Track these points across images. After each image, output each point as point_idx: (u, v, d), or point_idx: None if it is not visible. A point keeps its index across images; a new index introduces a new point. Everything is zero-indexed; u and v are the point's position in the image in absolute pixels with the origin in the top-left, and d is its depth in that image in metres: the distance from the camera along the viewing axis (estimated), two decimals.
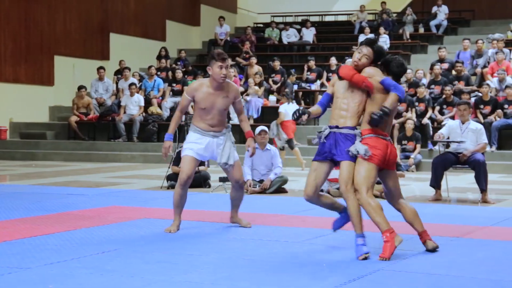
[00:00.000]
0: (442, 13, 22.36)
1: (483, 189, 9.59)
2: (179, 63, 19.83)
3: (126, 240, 6.44)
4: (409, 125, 14.47)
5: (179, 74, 18.29)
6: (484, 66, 16.95)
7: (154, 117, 17.55)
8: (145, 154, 16.56)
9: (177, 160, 11.27)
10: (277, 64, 18.55)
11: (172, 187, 11.08)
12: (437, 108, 15.57)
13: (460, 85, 15.96)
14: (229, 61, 7.21)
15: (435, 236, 6.18)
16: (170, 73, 19.34)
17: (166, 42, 22.75)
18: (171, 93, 18.13)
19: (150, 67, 18.86)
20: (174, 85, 18.20)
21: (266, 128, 10.92)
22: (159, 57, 20.52)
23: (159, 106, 17.87)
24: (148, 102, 17.93)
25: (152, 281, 4.86)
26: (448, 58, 17.43)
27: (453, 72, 16.45)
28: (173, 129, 7.13)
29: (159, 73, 19.17)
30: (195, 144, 7.06)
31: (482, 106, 15.05)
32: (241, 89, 17.90)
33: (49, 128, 18.50)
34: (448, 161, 9.81)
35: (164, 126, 17.39)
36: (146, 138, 17.31)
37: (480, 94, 15.27)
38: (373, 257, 5.73)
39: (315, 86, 18.25)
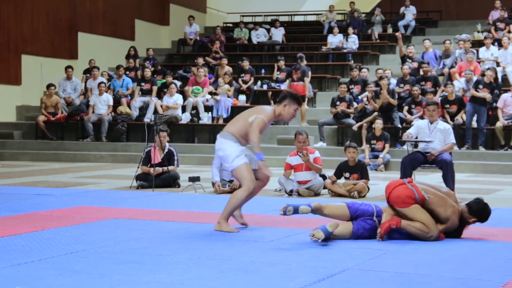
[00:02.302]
0: (410, 13, 22.54)
1: (450, 189, 9.67)
2: (148, 62, 19.73)
3: (95, 240, 6.39)
4: (378, 125, 14.55)
5: (148, 73, 18.21)
6: (452, 66, 17.11)
7: (123, 117, 17.46)
8: (114, 154, 16.46)
9: (146, 160, 11.24)
10: (246, 64, 18.56)
11: (141, 186, 11.05)
12: (406, 108, 15.68)
13: (427, 86, 16.09)
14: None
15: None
16: (139, 73, 19.25)
17: (135, 41, 22.65)
18: (140, 92, 18.04)
19: (118, 66, 18.75)
20: (143, 84, 18.11)
21: None
22: (128, 57, 20.41)
23: (128, 105, 17.77)
24: (117, 102, 17.83)
25: (121, 282, 4.83)
26: (416, 57, 17.56)
27: (421, 72, 16.57)
28: (259, 148, 7.10)
29: (127, 72, 19.07)
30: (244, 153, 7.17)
31: (448, 106, 15.20)
32: (211, 88, 17.87)
33: (16, 127, 18.31)
34: (417, 160, 9.90)
35: (133, 125, 17.35)
36: (115, 137, 17.22)
37: (446, 94, 15.41)
38: (342, 256, 5.75)
39: (284, 86, 18.27)
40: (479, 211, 6.50)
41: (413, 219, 6.43)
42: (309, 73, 17.18)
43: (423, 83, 16.34)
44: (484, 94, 14.88)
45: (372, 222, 6.51)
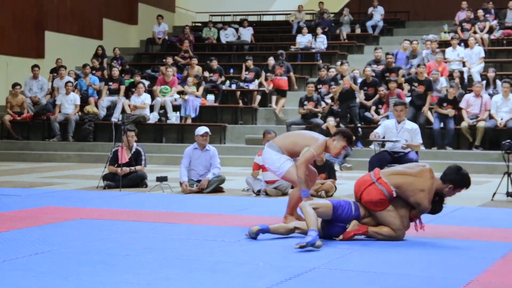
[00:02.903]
0: (378, 14, 22.68)
1: None
2: (115, 61, 19.61)
3: (61, 241, 6.34)
4: (330, 123, 14.56)
5: (115, 72, 18.10)
6: (418, 66, 17.23)
7: (90, 117, 17.34)
8: (81, 154, 16.35)
9: (113, 160, 11.17)
10: (214, 63, 18.54)
11: (108, 187, 10.98)
12: (373, 108, 15.78)
13: (392, 76, 16.22)
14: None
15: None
16: (106, 72, 19.12)
17: (103, 40, 22.50)
18: (107, 92, 17.92)
19: (85, 65, 18.61)
20: (110, 83, 17.99)
21: (208, 130, 10.87)
22: (95, 56, 20.27)
23: (96, 105, 17.65)
24: (84, 101, 17.70)
25: (87, 283, 4.79)
26: (384, 59, 17.66)
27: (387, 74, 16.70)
28: (307, 183, 7.22)
29: (94, 71, 18.94)
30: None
31: (416, 84, 15.29)
32: (180, 88, 17.82)
33: None
34: (384, 160, 9.97)
35: (100, 125, 17.24)
36: (82, 137, 17.09)
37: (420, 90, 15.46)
38: (309, 255, 5.77)
39: (253, 86, 18.30)
40: (451, 176, 6.40)
41: (383, 222, 6.46)
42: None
43: (387, 74, 16.48)
44: (449, 111, 15.03)
45: (343, 226, 6.53)
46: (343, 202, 6.61)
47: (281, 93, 17.81)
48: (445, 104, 15.15)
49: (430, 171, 6.50)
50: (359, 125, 15.45)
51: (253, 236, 6.49)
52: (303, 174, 7.03)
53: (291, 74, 18.09)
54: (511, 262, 5.61)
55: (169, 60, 18.99)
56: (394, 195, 6.43)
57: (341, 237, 6.45)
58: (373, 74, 16.47)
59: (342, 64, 16.13)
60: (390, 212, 6.46)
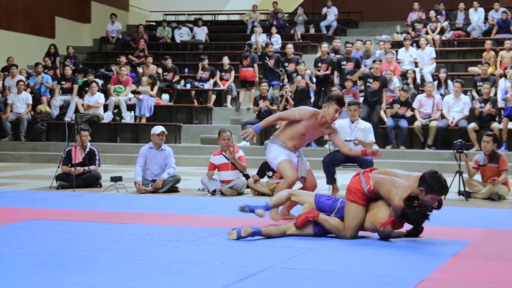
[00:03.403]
0: (331, 14, 22.83)
1: None
2: (68, 60, 19.39)
3: (13, 242, 6.24)
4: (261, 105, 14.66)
5: (68, 71, 17.90)
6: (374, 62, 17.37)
7: (43, 116, 17.13)
8: (33, 154, 16.13)
9: (66, 160, 11.05)
10: (169, 62, 18.47)
11: (62, 187, 10.86)
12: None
13: (348, 66, 16.36)
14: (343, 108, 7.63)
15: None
16: (59, 71, 18.89)
17: (55, 39, 22.22)
18: (60, 91, 17.71)
19: (37, 64, 18.37)
20: (63, 83, 17.78)
21: (164, 129, 10.83)
22: (48, 55, 20.01)
23: (48, 104, 17.44)
24: (36, 101, 17.47)
25: (39, 284, 4.73)
26: (343, 49, 17.71)
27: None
28: (264, 126, 7.71)
29: (47, 70, 18.69)
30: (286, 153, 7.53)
31: (371, 81, 15.43)
32: (134, 87, 17.70)
33: None
34: (337, 159, 10.05)
35: (53, 125, 17.04)
36: (35, 137, 16.88)
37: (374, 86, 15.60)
38: (265, 254, 5.79)
39: (208, 85, 18.28)
40: (426, 183, 6.15)
41: (345, 213, 6.44)
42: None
43: (344, 62, 16.63)
44: (403, 112, 15.21)
45: (328, 215, 6.58)
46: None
47: (248, 84, 17.78)
48: (398, 106, 15.33)
49: (417, 178, 6.27)
50: None
51: (243, 236, 6.42)
52: (272, 118, 7.72)
53: (255, 65, 17.95)
54: (462, 260, 5.71)
55: (123, 59, 18.85)
56: (371, 188, 6.36)
57: (294, 221, 6.55)
58: (328, 50, 16.69)
59: (298, 63, 16.21)
60: (351, 207, 6.40)
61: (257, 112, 16.01)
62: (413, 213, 6.20)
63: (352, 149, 7.98)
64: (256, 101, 16.07)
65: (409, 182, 6.27)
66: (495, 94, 15.66)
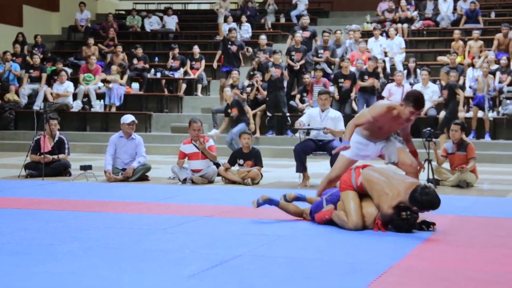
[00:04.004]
0: (302, 4, 22.81)
1: None
2: (36, 49, 19.18)
3: None
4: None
5: (36, 60, 17.71)
6: (342, 56, 17.46)
7: (11, 105, 16.95)
8: (1, 143, 15.98)
9: (35, 149, 10.96)
10: (139, 51, 18.35)
11: (30, 176, 10.78)
12: (298, 96, 15.91)
13: (325, 54, 16.37)
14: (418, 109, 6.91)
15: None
16: (27, 59, 18.68)
17: (23, 27, 21.93)
18: (28, 80, 17.53)
19: (5, 52, 18.14)
20: (31, 71, 17.60)
21: (134, 118, 10.79)
22: (15, 43, 19.76)
23: (17, 93, 17.25)
24: (4, 89, 17.28)
25: (8, 273, 4.69)
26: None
27: (319, 42, 16.85)
28: (349, 137, 7.11)
29: (15, 58, 18.47)
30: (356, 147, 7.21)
31: (342, 80, 15.52)
32: (103, 76, 17.57)
33: None
34: (309, 147, 10.09)
35: (21, 113, 16.88)
36: (3, 126, 16.72)
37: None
38: (235, 242, 5.80)
39: (178, 74, 18.20)
40: (415, 199, 6.08)
41: (342, 203, 6.46)
42: None
43: (322, 51, 16.65)
44: (371, 81, 15.29)
45: (321, 200, 6.67)
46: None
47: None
48: (366, 77, 15.39)
49: (412, 185, 6.16)
50: (287, 114, 15.54)
51: (260, 203, 6.73)
52: (349, 128, 7.10)
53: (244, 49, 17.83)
54: (431, 247, 5.77)
55: (92, 48, 18.69)
56: (359, 184, 6.37)
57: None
58: (302, 40, 16.69)
59: (275, 52, 16.15)
60: (349, 195, 6.38)
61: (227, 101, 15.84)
62: (402, 225, 6.19)
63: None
64: (226, 111, 15.82)
65: (401, 189, 6.18)
66: (464, 83, 15.81)
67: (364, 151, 7.23)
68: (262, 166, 10.44)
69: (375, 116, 6.98)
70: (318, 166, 12.06)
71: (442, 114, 14.60)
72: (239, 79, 16.27)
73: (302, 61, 16.53)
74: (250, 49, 17.55)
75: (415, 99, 6.77)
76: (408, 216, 6.13)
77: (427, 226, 6.40)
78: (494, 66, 16.03)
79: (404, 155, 7.09)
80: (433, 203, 6.09)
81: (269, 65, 15.87)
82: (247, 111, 14.25)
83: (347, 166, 7.14)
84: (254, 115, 15.54)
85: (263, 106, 15.73)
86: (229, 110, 14.23)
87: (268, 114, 15.70)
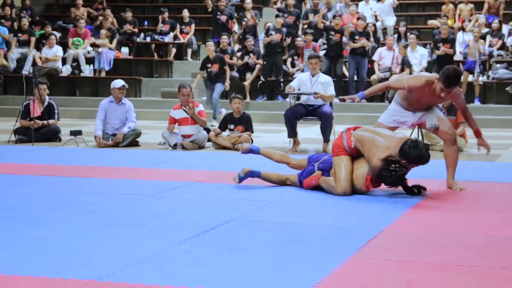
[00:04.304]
0: None
1: (326, 140, 9.97)
2: (25, 12, 18.98)
3: None
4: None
5: (25, 23, 17.54)
6: (334, 16, 17.32)
7: (0, 69, 16.82)
8: None
9: (25, 114, 10.91)
10: (129, 15, 18.19)
11: (20, 141, 10.75)
12: (289, 60, 15.84)
13: (316, 18, 16.28)
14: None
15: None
16: (15, 24, 18.49)
17: None
18: (17, 43, 17.38)
19: None
20: (20, 35, 17.44)
21: (125, 83, 10.74)
22: (3, 5, 19.54)
23: (5, 57, 17.11)
24: None
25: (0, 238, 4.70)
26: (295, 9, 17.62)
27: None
28: (369, 94, 7.26)
29: (3, 21, 18.28)
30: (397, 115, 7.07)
31: (332, 33, 15.43)
32: (93, 40, 17.44)
33: None
34: (299, 113, 10.08)
35: (10, 78, 16.77)
36: None
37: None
38: (226, 207, 5.82)
39: (168, 38, 18.07)
40: (404, 151, 6.07)
41: (333, 168, 6.46)
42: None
43: (312, 14, 16.56)
44: (362, 42, 15.24)
45: (313, 167, 6.66)
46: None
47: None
48: (357, 37, 15.33)
49: (402, 140, 6.21)
50: (281, 79, 15.45)
51: (242, 177, 6.75)
52: (378, 86, 7.27)
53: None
54: (420, 211, 5.81)
55: (81, 9, 18.50)
56: (352, 146, 6.37)
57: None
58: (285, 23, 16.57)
59: (278, 16, 16.05)
60: (340, 161, 6.37)
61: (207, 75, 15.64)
62: (389, 176, 6.16)
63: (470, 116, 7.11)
64: (204, 65, 15.72)
65: (391, 143, 6.21)
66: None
67: (401, 118, 7.02)
68: (252, 132, 10.44)
69: (411, 86, 6.75)
70: (309, 132, 12.08)
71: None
72: (229, 44, 16.15)
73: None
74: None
75: (446, 77, 6.47)
76: (396, 169, 6.13)
77: (418, 190, 6.44)
78: (485, 30, 15.98)
79: (443, 124, 6.92)
80: (421, 157, 6.13)
81: (270, 27, 15.74)
82: (226, 71, 14.18)
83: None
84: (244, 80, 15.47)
85: (255, 72, 15.60)
86: (208, 65, 14.12)
87: (262, 78, 15.63)
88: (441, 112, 7.09)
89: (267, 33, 15.67)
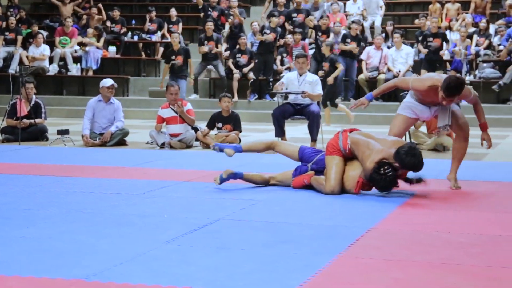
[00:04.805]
0: None
1: (314, 139, 9.99)
2: (11, 10, 18.88)
3: None
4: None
5: (12, 22, 17.46)
6: (321, 16, 17.35)
7: None
8: None
9: (11, 113, 10.86)
10: (116, 14, 18.14)
11: (7, 140, 10.71)
12: (279, 57, 15.82)
13: (299, 18, 16.27)
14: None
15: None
16: (2, 22, 18.39)
17: None
18: (3, 42, 17.29)
19: None
20: (6, 34, 17.36)
21: (114, 82, 10.71)
22: None
23: None
24: None
25: None
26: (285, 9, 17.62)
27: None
28: (377, 94, 7.11)
29: None
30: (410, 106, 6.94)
31: (320, 34, 15.45)
32: (80, 39, 17.38)
33: None
34: (287, 112, 10.10)
35: None
36: None
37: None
38: (214, 207, 5.81)
39: (155, 37, 18.04)
40: (400, 156, 6.08)
41: (326, 168, 6.46)
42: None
43: (295, 14, 16.58)
44: (351, 46, 15.26)
45: (306, 168, 6.66)
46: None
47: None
48: (348, 40, 15.35)
49: (395, 143, 6.27)
50: (271, 79, 15.43)
51: (223, 178, 6.63)
52: (386, 85, 7.03)
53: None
54: (408, 210, 5.82)
55: (68, 6, 18.43)
56: (348, 147, 6.37)
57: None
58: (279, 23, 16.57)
59: (273, 16, 16.07)
60: (332, 160, 6.38)
61: (202, 54, 15.63)
62: (380, 180, 6.17)
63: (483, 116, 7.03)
64: (202, 41, 15.78)
65: (384, 146, 6.23)
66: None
67: (418, 111, 6.94)
68: (240, 131, 10.43)
69: (415, 87, 6.71)
70: (297, 130, 12.10)
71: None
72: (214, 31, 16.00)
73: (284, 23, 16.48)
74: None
75: (447, 87, 6.39)
76: (386, 171, 6.12)
77: (418, 181, 6.39)
78: (472, 29, 16.04)
79: (457, 120, 6.83)
80: (416, 165, 6.15)
81: (265, 26, 15.75)
82: (190, 65, 13.97)
83: (406, 124, 6.98)
84: (239, 78, 15.41)
85: (246, 68, 15.56)
86: (173, 57, 13.97)
87: (253, 77, 15.59)
88: (457, 106, 6.98)
89: (261, 32, 15.68)
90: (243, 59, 15.62)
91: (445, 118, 6.80)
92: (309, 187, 6.56)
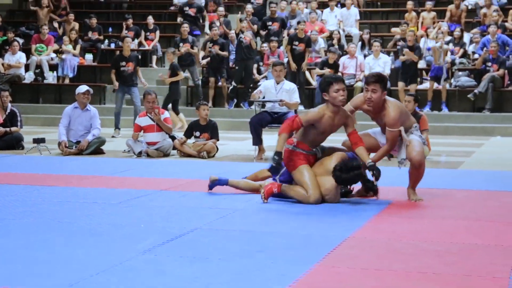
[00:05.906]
0: None
1: None
2: None
3: None
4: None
5: None
6: (298, 22, 17.39)
7: None
8: None
9: None
10: (94, 21, 18.08)
11: None
12: (255, 66, 15.85)
13: (274, 26, 16.30)
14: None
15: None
16: None
17: None
18: None
19: None
20: None
21: (90, 88, 10.66)
22: None
23: None
24: None
25: None
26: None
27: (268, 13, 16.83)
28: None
29: None
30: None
31: (296, 43, 15.48)
32: (56, 46, 17.30)
33: None
34: (264, 120, 10.11)
35: None
36: None
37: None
38: (191, 216, 5.80)
39: (132, 45, 17.97)
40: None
41: (297, 182, 6.45)
42: None
43: (270, 23, 16.62)
44: (326, 71, 15.23)
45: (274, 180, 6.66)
46: None
47: None
48: (325, 68, 15.41)
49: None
50: (251, 85, 15.41)
51: (210, 185, 6.77)
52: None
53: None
54: (384, 219, 5.85)
55: (45, 10, 18.36)
56: (300, 123, 6.50)
57: (262, 191, 6.51)
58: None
59: (241, 21, 16.13)
60: (300, 171, 6.40)
61: (178, 56, 15.50)
62: (339, 176, 6.31)
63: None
64: (177, 44, 15.74)
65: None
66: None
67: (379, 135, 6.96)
68: (218, 139, 10.41)
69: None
70: (274, 139, 12.05)
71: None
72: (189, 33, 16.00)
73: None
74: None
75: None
76: (342, 167, 6.29)
77: (371, 189, 6.56)
78: (447, 38, 16.17)
79: (411, 148, 6.60)
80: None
81: (246, 31, 15.80)
82: (137, 71, 13.48)
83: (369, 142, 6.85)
84: (216, 86, 15.42)
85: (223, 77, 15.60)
86: (123, 63, 13.37)
87: (234, 84, 15.58)
88: (416, 135, 6.74)
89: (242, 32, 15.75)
90: (214, 50, 15.54)
91: (402, 152, 6.69)
92: (280, 195, 6.53)
